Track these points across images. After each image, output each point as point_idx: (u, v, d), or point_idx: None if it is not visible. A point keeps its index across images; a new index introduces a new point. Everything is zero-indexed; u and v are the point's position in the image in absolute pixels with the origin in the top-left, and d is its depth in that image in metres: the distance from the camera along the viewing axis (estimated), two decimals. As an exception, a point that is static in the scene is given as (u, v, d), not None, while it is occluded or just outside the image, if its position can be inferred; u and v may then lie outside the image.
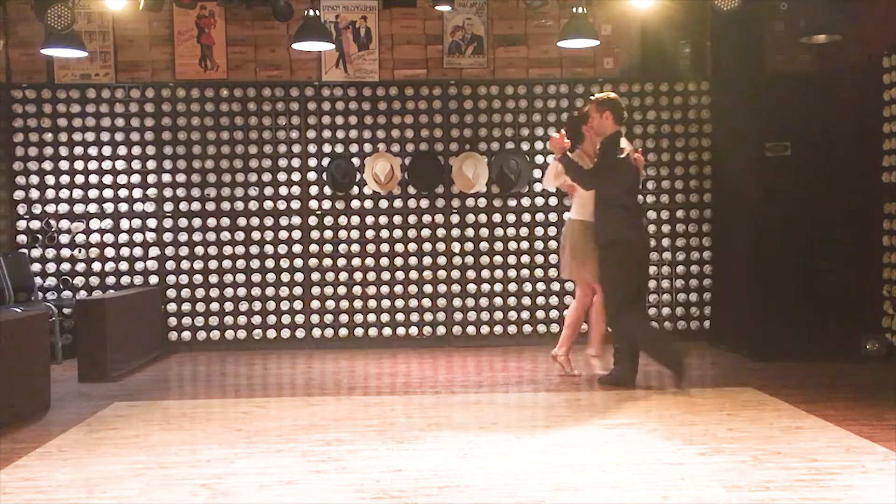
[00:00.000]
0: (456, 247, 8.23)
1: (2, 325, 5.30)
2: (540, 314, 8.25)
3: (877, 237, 7.05)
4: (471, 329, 8.23)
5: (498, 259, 8.22)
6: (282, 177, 8.19)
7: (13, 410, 5.21)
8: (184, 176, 8.17)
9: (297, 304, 8.19)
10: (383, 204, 8.22)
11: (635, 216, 6.29)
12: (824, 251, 7.71)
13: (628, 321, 6.13)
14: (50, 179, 8.08)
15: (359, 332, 8.20)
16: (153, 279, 8.12)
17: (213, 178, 8.17)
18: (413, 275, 8.23)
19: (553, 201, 8.26)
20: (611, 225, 6.07)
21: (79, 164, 8.12)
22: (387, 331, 8.20)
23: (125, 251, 8.14)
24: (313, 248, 8.18)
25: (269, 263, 8.17)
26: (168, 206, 8.16)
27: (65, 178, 8.09)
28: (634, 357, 6.18)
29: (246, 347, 8.11)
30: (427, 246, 8.23)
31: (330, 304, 8.21)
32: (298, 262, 8.19)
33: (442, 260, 8.20)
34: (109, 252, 8.12)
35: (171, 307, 8.14)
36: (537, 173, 8.25)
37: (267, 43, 8.24)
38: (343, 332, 8.21)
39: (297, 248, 8.19)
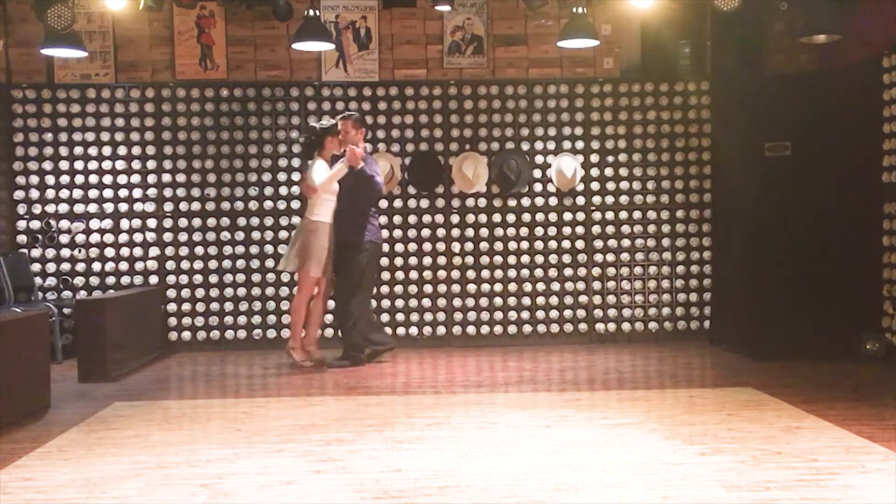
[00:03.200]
0: (456, 247, 8.23)
1: (2, 325, 5.30)
2: (540, 314, 8.25)
3: (877, 237, 7.05)
4: (471, 329, 8.23)
5: (498, 259, 8.22)
6: (282, 177, 8.19)
7: (13, 410, 5.21)
8: (184, 176, 8.17)
9: (297, 304, 8.19)
10: (383, 204, 8.21)
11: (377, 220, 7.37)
12: (824, 251, 7.71)
13: (362, 310, 7.15)
14: (50, 179, 8.08)
15: (359, 332, 8.20)
16: (153, 279, 8.12)
17: (213, 178, 8.17)
18: (413, 275, 8.23)
19: (553, 201, 8.27)
20: (364, 228, 7.09)
21: (79, 164, 8.12)
22: (387, 331, 8.19)
23: (125, 251, 8.14)
24: (313, 248, 8.17)
25: (269, 263, 8.16)
26: (168, 206, 8.16)
27: (65, 178, 8.09)
28: (366, 339, 7.20)
29: (246, 347, 8.11)
30: (427, 246, 8.23)
31: (330, 303, 8.19)
32: (298, 262, 8.19)
33: (442, 260, 8.20)
34: (109, 252, 8.12)
35: (171, 307, 8.14)
36: (537, 173, 8.26)
37: (267, 43, 8.24)
38: (343, 332, 8.21)
39: (297, 248, 8.18)
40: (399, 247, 8.22)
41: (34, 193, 8.08)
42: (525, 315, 8.25)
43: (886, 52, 7.00)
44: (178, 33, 8.16)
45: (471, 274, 8.22)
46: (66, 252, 8.09)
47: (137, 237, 8.15)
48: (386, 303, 8.19)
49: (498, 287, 8.24)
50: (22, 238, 8.07)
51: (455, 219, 8.25)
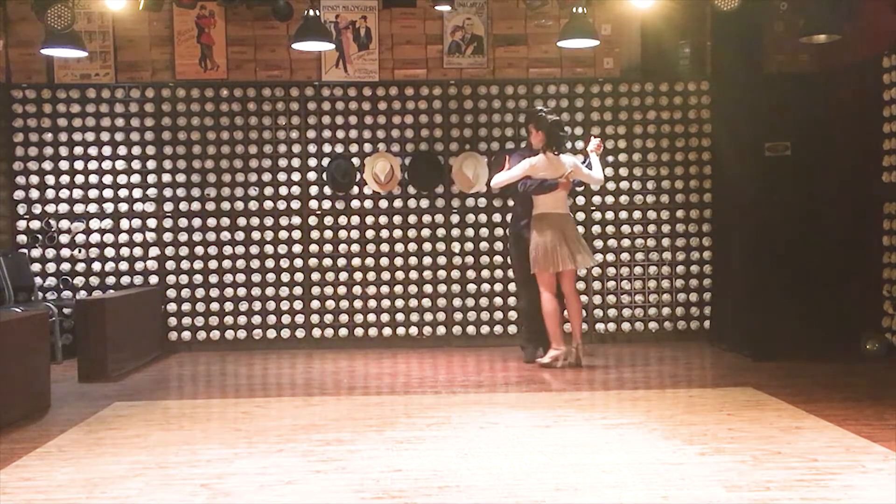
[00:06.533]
0: (456, 247, 8.23)
1: (2, 325, 5.30)
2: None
3: (877, 237, 7.06)
4: (471, 329, 8.23)
5: (498, 259, 8.21)
6: (282, 177, 8.19)
7: (13, 410, 5.22)
8: (184, 176, 8.17)
9: (297, 304, 8.19)
10: (383, 204, 8.22)
11: None
12: (824, 251, 7.72)
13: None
14: (50, 179, 8.08)
15: (359, 332, 8.20)
16: (153, 279, 8.12)
17: (213, 178, 8.17)
18: (413, 275, 8.23)
19: (553, 201, 8.26)
20: None
21: (79, 164, 8.12)
22: (387, 331, 8.20)
23: (125, 251, 8.14)
24: (313, 248, 8.18)
25: (269, 263, 8.17)
26: (168, 206, 8.16)
27: (65, 178, 8.09)
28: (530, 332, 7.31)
29: (246, 347, 8.11)
30: (427, 246, 8.23)
31: (330, 304, 8.21)
32: (298, 262, 8.19)
33: (442, 260, 8.20)
34: (109, 252, 8.12)
35: (171, 307, 8.14)
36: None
37: (267, 43, 8.24)
38: (343, 332, 8.21)
39: (297, 248, 8.19)
40: (399, 247, 8.21)
41: (34, 193, 8.08)
42: (525, 315, 8.25)
43: (886, 52, 7.00)
44: (178, 33, 8.16)
45: (471, 274, 8.21)
46: (66, 252, 8.09)
47: (137, 237, 8.15)
48: (386, 303, 8.20)
49: (498, 287, 8.23)
50: (22, 238, 8.07)
51: (455, 219, 8.24)
